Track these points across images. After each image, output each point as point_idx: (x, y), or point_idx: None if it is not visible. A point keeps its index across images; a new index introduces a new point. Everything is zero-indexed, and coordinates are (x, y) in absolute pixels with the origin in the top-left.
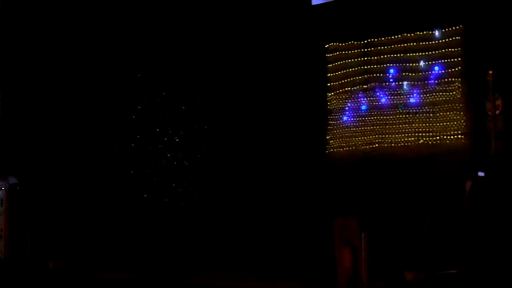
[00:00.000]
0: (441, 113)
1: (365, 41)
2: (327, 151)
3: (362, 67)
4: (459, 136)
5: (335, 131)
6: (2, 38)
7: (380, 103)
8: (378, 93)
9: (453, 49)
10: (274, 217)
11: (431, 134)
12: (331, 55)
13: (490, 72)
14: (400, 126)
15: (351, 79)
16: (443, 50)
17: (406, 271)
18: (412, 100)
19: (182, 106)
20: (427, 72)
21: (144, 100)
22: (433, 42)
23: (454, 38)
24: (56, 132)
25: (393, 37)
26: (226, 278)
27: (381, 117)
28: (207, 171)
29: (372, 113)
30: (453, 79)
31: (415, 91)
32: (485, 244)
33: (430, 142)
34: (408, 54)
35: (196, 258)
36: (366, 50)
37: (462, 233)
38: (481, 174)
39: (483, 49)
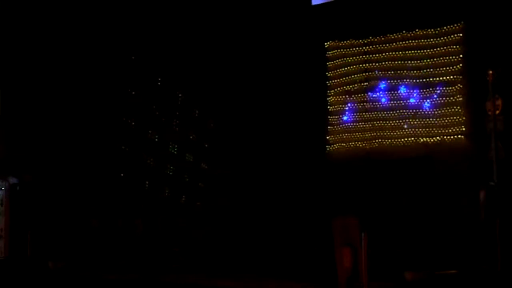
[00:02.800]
0: (441, 113)
1: (365, 40)
2: (327, 151)
3: (362, 66)
4: (459, 136)
5: (335, 131)
6: (2, 38)
7: (380, 102)
8: (378, 92)
9: (453, 47)
10: (274, 217)
11: (431, 134)
12: (331, 53)
13: (490, 72)
14: (400, 126)
15: (351, 77)
16: (444, 48)
17: (406, 271)
18: (412, 100)
19: (183, 107)
20: (427, 71)
21: (145, 100)
22: (434, 40)
23: (454, 36)
24: (56, 132)
25: (393, 36)
26: (226, 278)
27: (381, 117)
28: (208, 170)
29: (372, 113)
30: (453, 78)
31: (415, 90)
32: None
33: (430, 142)
34: (407, 53)
35: (195, 258)
36: (365, 49)
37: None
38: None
39: (484, 49)
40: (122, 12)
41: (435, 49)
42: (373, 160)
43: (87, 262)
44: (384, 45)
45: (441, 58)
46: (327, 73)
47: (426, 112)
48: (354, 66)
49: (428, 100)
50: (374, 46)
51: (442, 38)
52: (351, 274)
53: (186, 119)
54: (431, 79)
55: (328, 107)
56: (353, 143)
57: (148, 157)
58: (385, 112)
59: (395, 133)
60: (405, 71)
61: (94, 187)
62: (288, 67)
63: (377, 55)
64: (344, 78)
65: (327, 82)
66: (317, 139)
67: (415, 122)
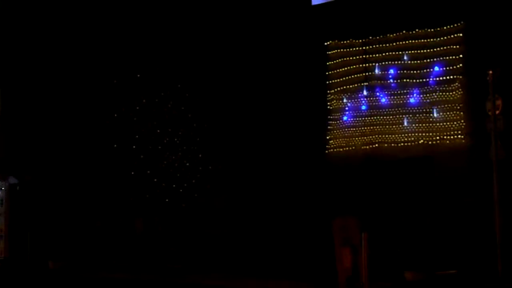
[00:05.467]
0: (441, 113)
1: (365, 40)
2: (327, 151)
3: (362, 65)
4: (459, 136)
5: (335, 131)
6: (2, 38)
7: (380, 102)
8: (378, 92)
9: (453, 47)
10: (274, 217)
11: (431, 134)
12: (331, 53)
13: (490, 72)
14: (400, 126)
15: (351, 77)
16: (444, 48)
17: (406, 271)
18: (412, 100)
19: (181, 107)
20: (427, 70)
21: (144, 101)
22: (433, 40)
23: (455, 35)
24: (56, 132)
25: (393, 35)
26: (226, 278)
27: (381, 117)
28: (207, 170)
29: (372, 113)
30: (453, 77)
31: (415, 90)
32: None
33: (430, 142)
34: (407, 52)
35: (195, 258)
36: (365, 48)
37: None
38: None
39: (484, 49)
40: (121, 12)
41: (435, 49)
42: (373, 160)
43: (87, 262)
44: (384, 44)
45: (441, 58)
46: (327, 73)
47: (426, 112)
48: (354, 66)
49: (428, 100)
50: (374, 45)
51: (442, 38)
52: (351, 274)
53: (185, 119)
54: (431, 78)
55: (328, 107)
56: (353, 143)
57: (148, 156)
58: (385, 112)
59: (395, 133)
60: (405, 71)
61: (94, 187)
62: (288, 67)
63: (377, 54)
64: (344, 78)
65: (327, 82)
66: (317, 139)
67: (415, 122)
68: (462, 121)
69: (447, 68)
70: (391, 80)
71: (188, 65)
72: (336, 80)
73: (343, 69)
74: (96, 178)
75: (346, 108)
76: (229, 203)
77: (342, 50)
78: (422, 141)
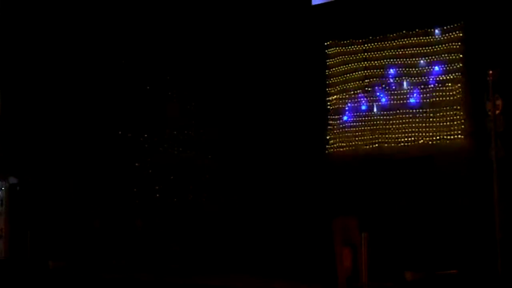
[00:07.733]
0: (441, 113)
1: (365, 39)
2: (327, 151)
3: (362, 65)
4: (459, 136)
5: (335, 131)
6: (2, 38)
7: (380, 102)
8: (378, 92)
9: (453, 46)
10: (274, 217)
11: (431, 134)
12: (331, 53)
13: (490, 72)
14: (400, 125)
15: (351, 76)
16: (444, 47)
17: (406, 271)
18: (411, 99)
19: (182, 106)
20: (427, 70)
21: (145, 100)
22: (434, 39)
23: (455, 35)
24: (56, 132)
25: (392, 35)
26: (226, 278)
27: (381, 117)
28: (208, 170)
29: (372, 113)
30: (453, 77)
31: (415, 90)
32: None
33: (430, 142)
34: (407, 52)
35: (196, 258)
36: (365, 47)
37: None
38: None
39: (484, 49)
40: (121, 12)
41: (435, 49)
42: (373, 160)
43: (87, 262)
44: (384, 44)
45: (441, 58)
46: (326, 72)
47: (426, 112)
48: (354, 65)
49: (428, 100)
50: (374, 45)
51: (442, 37)
52: (351, 274)
53: (184, 118)
54: (431, 78)
55: (328, 106)
56: (353, 142)
57: (148, 156)
58: (385, 112)
59: (395, 133)
60: (405, 70)
61: (94, 186)
62: (288, 67)
63: (377, 54)
64: (344, 77)
65: (327, 82)
66: (317, 138)
67: (415, 122)
68: (462, 121)
69: (447, 68)
70: (391, 80)
71: (188, 65)
72: (336, 80)
73: (343, 68)
74: (96, 178)
75: (346, 108)
76: (230, 203)
77: (342, 49)
78: (422, 141)
